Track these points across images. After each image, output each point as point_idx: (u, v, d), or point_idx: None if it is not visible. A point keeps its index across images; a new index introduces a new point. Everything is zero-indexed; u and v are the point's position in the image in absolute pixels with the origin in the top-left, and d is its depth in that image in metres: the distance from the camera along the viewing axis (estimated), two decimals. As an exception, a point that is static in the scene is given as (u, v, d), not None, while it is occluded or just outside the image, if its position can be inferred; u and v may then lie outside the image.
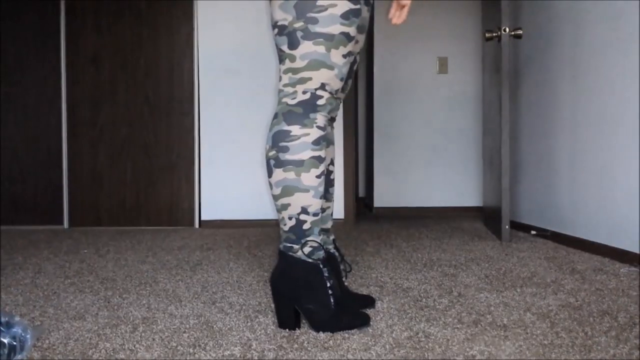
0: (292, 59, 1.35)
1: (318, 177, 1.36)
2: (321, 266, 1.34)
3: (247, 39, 3.48)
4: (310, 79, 1.34)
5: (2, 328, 1.12)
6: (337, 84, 1.37)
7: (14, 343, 1.12)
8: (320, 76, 1.34)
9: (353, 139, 3.54)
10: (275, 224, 3.46)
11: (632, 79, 2.16)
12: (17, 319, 1.17)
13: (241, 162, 3.50)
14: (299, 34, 1.32)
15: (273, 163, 1.36)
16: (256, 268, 2.11)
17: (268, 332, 1.33)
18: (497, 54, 2.84)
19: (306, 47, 1.32)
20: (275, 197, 1.37)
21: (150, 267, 2.16)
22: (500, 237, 2.74)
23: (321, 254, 1.36)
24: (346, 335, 1.30)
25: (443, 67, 4.20)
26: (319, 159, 1.36)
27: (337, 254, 1.53)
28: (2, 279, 1.96)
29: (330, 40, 1.32)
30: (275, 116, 1.38)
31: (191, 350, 1.20)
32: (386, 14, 4.20)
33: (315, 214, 1.36)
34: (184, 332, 1.34)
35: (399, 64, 4.21)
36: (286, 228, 1.36)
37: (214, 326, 1.38)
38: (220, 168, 3.50)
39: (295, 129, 1.34)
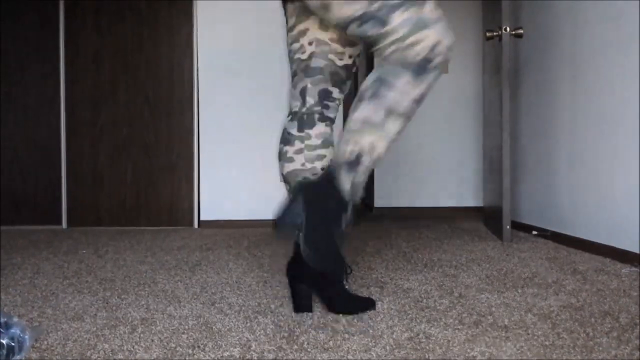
0: (389, 34, 1.37)
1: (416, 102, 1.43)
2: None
3: (247, 39, 3.48)
4: (416, 42, 1.36)
5: (0, 329, 1.11)
6: (442, 42, 1.38)
7: (13, 344, 1.12)
8: (425, 38, 1.36)
9: (353, 139, 3.53)
10: (274, 224, 3.44)
11: (632, 79, 2.15)
12: (15, 319, 1.16)
13: (241, 162, 3.49)
14: (383, 12, 1.36)
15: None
16: (256, 268, 2.11)
17: (267, 332, 1.33)
18: (498, 54, 2.84)
19: (398, 18, 1.35)
20: None
21: (149, 267, 2.16)
22: (501, 238, 2.73)
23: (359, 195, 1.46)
24: (346, 336, 1.29)
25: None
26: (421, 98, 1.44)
27: None
28: (1, 279, 1.95)
29: (413, 3, 1.35)
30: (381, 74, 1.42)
31: (190, 351, 1.20)
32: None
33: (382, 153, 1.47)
34: (183, 333, 1.33)
35: (399, 64, 4.20)
36: None
37: (213, 327, 1.37)
38: (220, 168, 3.49)
39: (409, 87, 1.39)
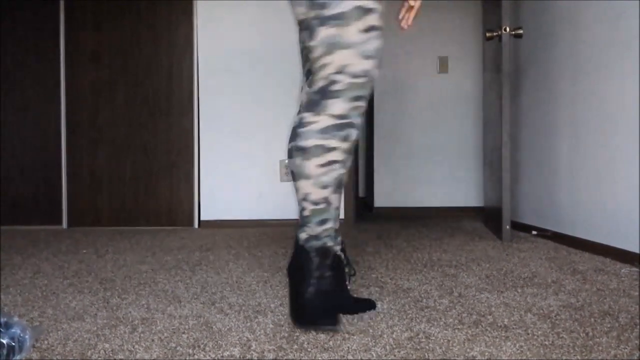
0: (312, 49, 1.31)
1: (321, 166, 1.34)
2: (312, 254, 1.36)
3: (247, 39, 3.48)
4: (327, 64, 1.31)
5: (1, 329, 1.11)
6: (360, 64, 1.30)
7: (13, 343, 1.12)
8: (337, 59, 1.29)
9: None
10: (274, 224, 3.45)
11: (632, 79, 2.15)
12: (15, 319, 1.16)
13: (241, 162, 3.49)
14: (315, 22, 1.30)
15: (288, 148, 1.39)
16: (256, 268, 2.11)
17: (268, 332, 1.33)
18: (498, 54, 2.84)
19: (321, 33, 1.29)
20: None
21: (150, 267, 2.16)
22: (501, 237, 2.73)
23: (316, 244, 1.37)
24: (346, 335, 1.29)
25: (443, 66, 4.20)
26: (323, 148, 1.33)
27: (343, 256, 1.51)
28: (1, 279, 1.95)
29: (341, 19, 1.27)
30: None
31: (190, 351, 1.20)
32: (388, 15, 4.19)
33: (315, 203, 1.37)
34: (183, 332, 1.33)
35: (400, 63, 4.21)
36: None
37: (214, 327, 1.38)
38: (220, 168, 3.49)
39: (307, 116, 1.34)
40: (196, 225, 3.49)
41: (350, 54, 1.29)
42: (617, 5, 2.25)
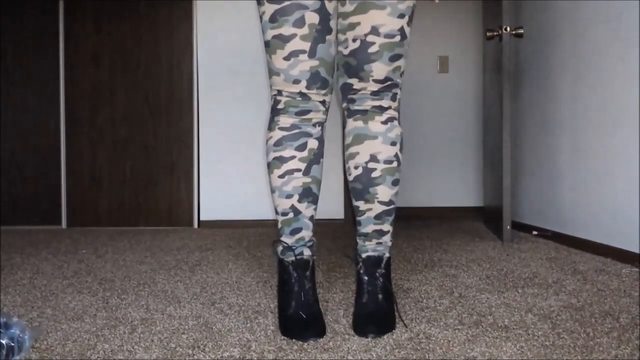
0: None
1: (281, 177, 1.39)
2: (291, 268, 1.39)
3: (247, 39, 3.48)
4: (271, 86, 1.41)
5: (0, 329, 1.11)
6: (289, 88, 1.35)
7: (12, 344, 1.12)
8: (273, 82, 1.39)
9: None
10: (274, 224, 3.45)
11: (632, 79, 2.15)
12: (15, 319, 1.16)
13: (240, 162, 3.49)
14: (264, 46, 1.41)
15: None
16: (256, 269, 2.11)
17: (267, 333, 1.32)
18: (498, 53, 2.84)
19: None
20: None
21: (149, 267, 2.16)
22: (502, 238, 2.73)
23: (291, 255, 1.40)
24: (346, 336, 1.29)
25: (444, 66, 4.20)
26: (280, 159, 1.39)
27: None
28: (1, 279, 1.95)
29: (268, 46, 1.35)
30: None
31: (190, 352, 1.20)
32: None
33: (283, 214, 1.42)
34: (183, 333, 1.33)
35: (399, 63, 4.20)
36: None
37: (213, 327, 1.37)
38: (220, 168, 3.49)
39: (268, 134, 1.43)
40: (196, 225, 3.49)
41: (279, 79, 1.37)
42: (617, 5, 2.25)
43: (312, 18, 1.30)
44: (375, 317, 1.33)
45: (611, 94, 2.30)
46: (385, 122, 1.46)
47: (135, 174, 3.50)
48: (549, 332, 1.30)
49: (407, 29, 1.38)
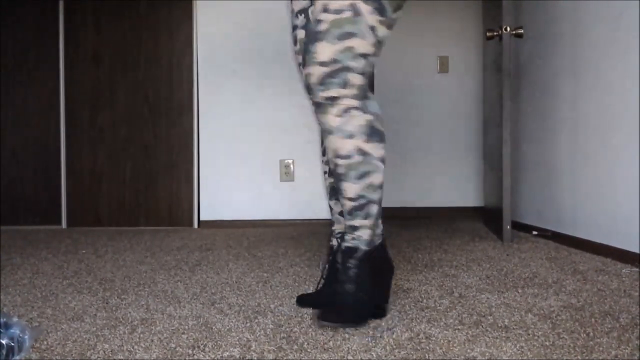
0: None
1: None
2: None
3: (247, 39, 3.47)
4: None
5: (0, 329, 1.11)
6: None
7: (12, 344, 1.12)
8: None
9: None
10: (273, 224, 3.45)
11: (632, 79, 2.15)
12: (15, 319, 1.16)
13: (241, 162, 3.49)
14: None
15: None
16: (255, 269, 2.11)
17: (267, 333, 1.32)
18: (498, 53, 2.84)
19: None
20: None
21: (149, 267, 2.16)
22: (502, 238, 2.73)
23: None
24: (346, 336, 1.29)
25: (444, 66, 4.19)
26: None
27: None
28: (1, 279, 1.95)
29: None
30: None
31: (190, 352, 1.20)
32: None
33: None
34: (183, 333, 1.33)
35: (399, 63, 4.20)
36: None
37: (213, 327, 1.37)
38: (220, 168, 3.49)
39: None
40: (196, 225, 3.49)
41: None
42: (617, 5, 2.25)
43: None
44: (336, 307, 1.36)
45: (611, 94, 2.30)
46: (339, 115, 1.32)
47: (135, 174, 3.50)
48: (549, 332, 1.30)
49: (363, 7, 1.28)
